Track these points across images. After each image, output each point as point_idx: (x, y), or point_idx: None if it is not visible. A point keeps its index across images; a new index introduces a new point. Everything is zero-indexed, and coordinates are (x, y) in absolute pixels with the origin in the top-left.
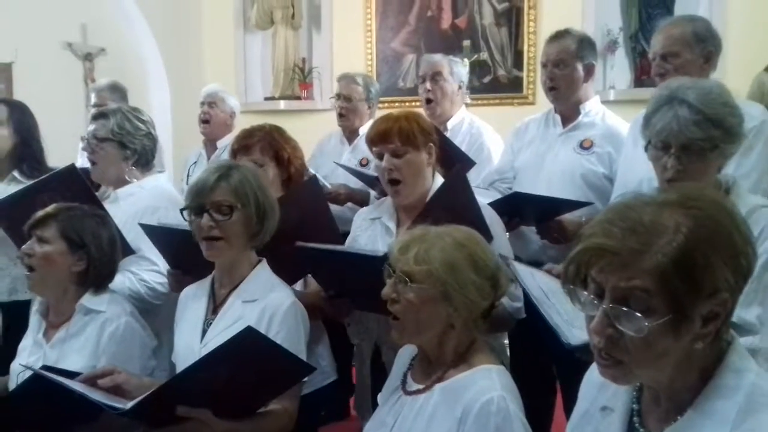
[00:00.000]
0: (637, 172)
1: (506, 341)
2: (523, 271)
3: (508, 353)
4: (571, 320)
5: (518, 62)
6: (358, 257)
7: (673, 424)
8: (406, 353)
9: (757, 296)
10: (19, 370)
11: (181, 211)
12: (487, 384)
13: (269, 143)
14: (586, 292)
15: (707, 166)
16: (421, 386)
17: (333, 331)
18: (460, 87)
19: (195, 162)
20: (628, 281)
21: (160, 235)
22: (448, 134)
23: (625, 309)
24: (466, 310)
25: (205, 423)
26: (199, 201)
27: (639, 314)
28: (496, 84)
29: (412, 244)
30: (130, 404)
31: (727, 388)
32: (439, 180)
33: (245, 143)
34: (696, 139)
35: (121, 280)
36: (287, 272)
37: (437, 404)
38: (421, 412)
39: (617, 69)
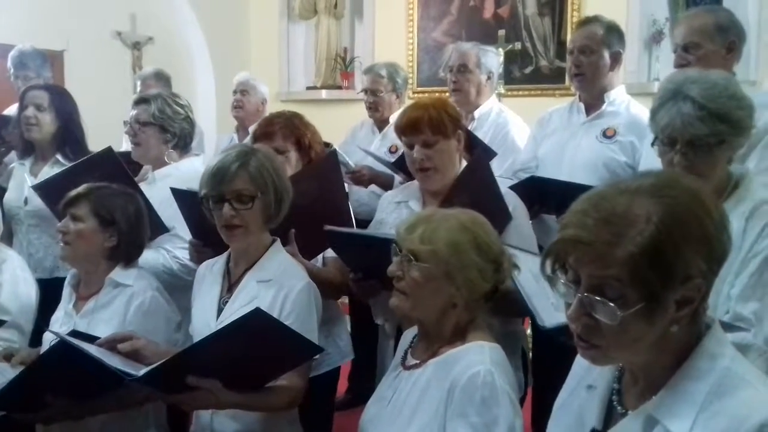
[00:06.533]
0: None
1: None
2: (518, 255)
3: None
4: (559, 304)
5: (561, 53)
6: (383, 241)
7: (646, 403)
8: (409, 333)
9: (755, 292)
10: (50, 339)
11: (201, 198)
12: (477, 358)
13: (290, 130)
14: (563, 280)
15: (715, 160)
16: (417, 361)
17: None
18: (489, 77)
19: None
20: (602, 271)
21: (187, 199)
22: (474, 123)
23: (598, 298)
24: (467, 290)
25: (213, 393)
26: (219, 190)
27: (612, 303)
28: (537, 74)
29: (419, 224)
30: (142, 371)
31: (700, 370)
32: (464, 165)
33: (266, 130)
34: (701, 135)
35: (155, 257)
36: (303, 247)
37: (430, 378)
38: (415, 386)
39: (663, 60)
